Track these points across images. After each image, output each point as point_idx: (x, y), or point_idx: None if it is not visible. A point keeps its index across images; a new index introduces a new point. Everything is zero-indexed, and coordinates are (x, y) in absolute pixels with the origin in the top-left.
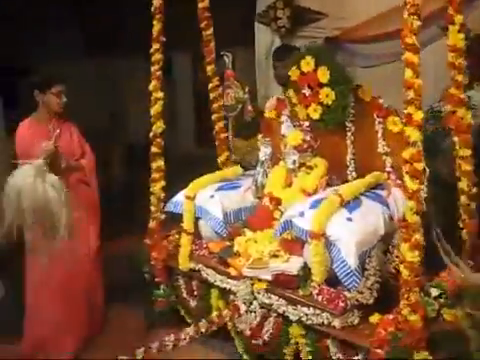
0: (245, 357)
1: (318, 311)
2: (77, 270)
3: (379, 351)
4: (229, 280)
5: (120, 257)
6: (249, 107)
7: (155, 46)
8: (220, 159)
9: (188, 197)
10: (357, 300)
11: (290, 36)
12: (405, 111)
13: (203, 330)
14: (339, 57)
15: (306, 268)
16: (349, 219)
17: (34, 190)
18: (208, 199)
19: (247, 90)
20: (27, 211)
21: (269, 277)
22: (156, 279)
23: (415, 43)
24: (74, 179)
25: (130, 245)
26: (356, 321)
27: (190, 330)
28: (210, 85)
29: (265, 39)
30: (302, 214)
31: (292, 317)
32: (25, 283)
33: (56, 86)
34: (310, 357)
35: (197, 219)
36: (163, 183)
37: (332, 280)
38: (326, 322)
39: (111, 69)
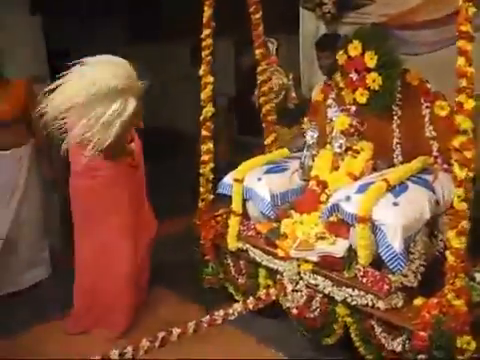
0: (300, 329)
1: (363, 293)
2: (128, 246)
3: (422, 333)
4: (276, 260)
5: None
6: (293, 94)
7: (206, 31)
8: (267, 141)
9: (237, 180)
10: (401, 283)
11: (335, 22)
12: (456, 99)
13: (251, 307)
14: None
15: (351, 251)
16: (395, 204)
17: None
18: (256, 181)
19: (291, 77)
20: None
21: (315, 258)
22: (205, 257)
23: (469, 31)
24: (125, 163)
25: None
26: (400, 303)
27: (238, 306)
28: (259, 68)
29: (310, 25)
30: (349, 198)
31: (337, 298)
32: (74, 259)
33: None
34: (357, 333)
35: (245, 200)
36: (212, 165)
37: (378, 263)
38: (371, 304)
39: (154, 54)
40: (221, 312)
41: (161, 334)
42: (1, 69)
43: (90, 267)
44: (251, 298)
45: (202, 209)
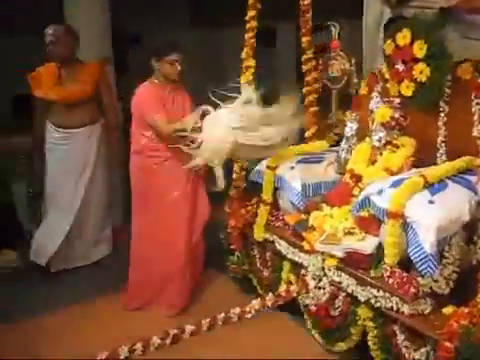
0: (313, 332)
1: (388, 294)
2: (182, 226)
3: (448, 344)
4: (301, 254)
5: None
6: (355, 79)
7: (250, 13)
8: (307, 134)
9: (269, 167)
10: (431, 288)
11: (401, 6)
12: None
13: (269, 304)
14: (453, 28)
15: (381, 249)
16: (431, 201)
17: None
18: (288, 170)
19: (353, 62)
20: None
21: (340, 254)
22: (231, 246)
23: None
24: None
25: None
26: (428, 310)
27: (256, 304)
28: (304, 57)
29: (374, 9)
30: (381, 192)
31: (361, 298)
32: (131, 235)
33: (171, 55)
34: (376, 341)
35: (276, 190)
36: None
37: (407, 264)
38: (395, 307)
39: (216, 38)
40: (237, 310)
41: (173, 331)
42: (76, 51)
43: (145, 244)
44: (270, 295)
45: (233, 197)
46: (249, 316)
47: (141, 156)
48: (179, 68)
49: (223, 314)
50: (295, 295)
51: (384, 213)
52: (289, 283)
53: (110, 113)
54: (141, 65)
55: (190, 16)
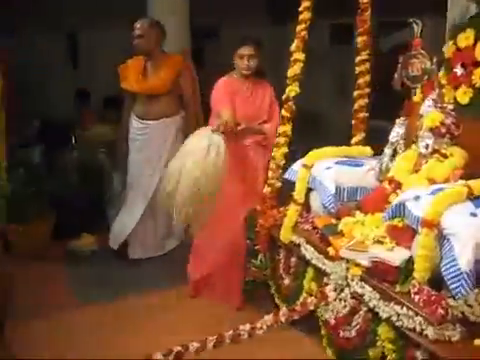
0: (328, 351)
1: (411, 313)
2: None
3: None
4: (326, 260)
5: None
6: None
7: (305, 4)
8: (353, 140)
9: (305, 165)
10: (463, 314)
11: None
12: None
13: (283, 320)
14: None
15: (411, 263)
16: (473, 214)
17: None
18: (324, 170)
19: (435, 61)
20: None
21: (366, 262)
22: (256, 247)
23: None
24: (251, 141)
25: None
26: (456, 337)
27: (268, 319)
28: (358, 58)
29: (459, 6)
30: (418, 198)
31: (382, 314)
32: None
33: (241, 49)
34: None
35: (310, 191)
36: (285, 149)
37: (439, 283)
38: (418, 328)
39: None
40: (247, 326)
41: (176, 348)
42: (162, 44)
43: (205, 235)
44: (284, 309)
45: (266, 195)
46: (261, 332)
47: None
48: (246, 62)
49: (232, 331)
50: (313, 308)
51: (418, 221)
52: (309, 295)
53: (190, 106)
54: (217, 59)
55: (267, 12)
